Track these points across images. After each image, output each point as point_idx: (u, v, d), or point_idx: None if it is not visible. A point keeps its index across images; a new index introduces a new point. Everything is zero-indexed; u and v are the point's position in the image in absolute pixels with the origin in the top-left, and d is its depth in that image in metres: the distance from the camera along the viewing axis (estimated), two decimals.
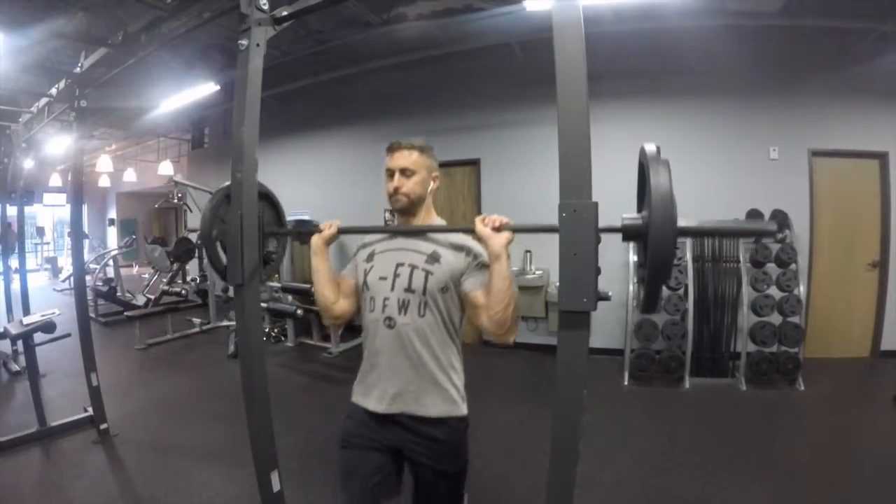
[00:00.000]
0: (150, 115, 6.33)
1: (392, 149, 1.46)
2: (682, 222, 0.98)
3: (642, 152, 1.06)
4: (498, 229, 1.23)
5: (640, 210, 1.14)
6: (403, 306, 1.36)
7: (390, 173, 1.45)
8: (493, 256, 1.25)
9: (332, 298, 1.51)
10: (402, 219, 1.50)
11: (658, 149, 1.04)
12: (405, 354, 1.36)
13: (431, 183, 1.48)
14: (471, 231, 1.29)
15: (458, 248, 1.40)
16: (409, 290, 1.37)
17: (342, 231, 1.52)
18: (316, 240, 1.51)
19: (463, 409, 1.41)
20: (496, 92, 5.03)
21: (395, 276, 1.39)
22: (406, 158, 1.43)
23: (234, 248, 1.58)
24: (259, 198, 1.68)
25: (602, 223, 1.09)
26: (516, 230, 1.25)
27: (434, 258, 1.39)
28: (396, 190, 1.43)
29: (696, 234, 0.97)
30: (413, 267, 1.38)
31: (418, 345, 1.36)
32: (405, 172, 1.43)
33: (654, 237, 0.98)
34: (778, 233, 0.89)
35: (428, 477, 1.40)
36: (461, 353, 1.45)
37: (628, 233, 1.09)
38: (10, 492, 2.39)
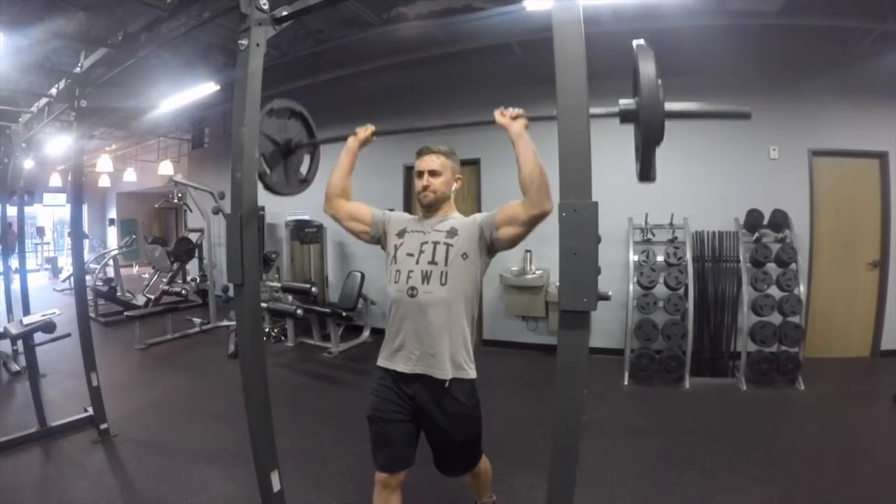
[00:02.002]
0: (150, 115, 6.33)
1: (421, 153, 1.69)
2: (668, 105, 1.14)
3: (633, 47, 1.20)
4: (515, 118, 1.43)
5: (634, 97, 1.27)
6: (426, 277, 1.56)
7: (419, 174, 1.68)
8: (516, 136, 1.43)
9: (338, 191, 1.75)
10: (428, 213, 1.69)
11: (647, 41, 1.19)
12: (426, 321, 1.55)
13: (455, 183, 1.71)
14: (491, 123, 1.48)
15: (471, 218, 1.64)
16: (432, 262, 1.57)
17: (377, 133, 1.72)
18: (351, 140, 1.74)
19: (471, 373, 1.60)
20: (496, 92, 5.03)
21: (421, 251, 1.60)
22: (434, 161, 1.67)
23: (235, 248, 1.59)
24: (293, 115, 1.85)
25: (602, 223, 1.09)
26: (530, 119, 1.44)
27: (452, 233, 1.61)
28: (425, 188, 1.66)
29: (680, 115, 1.11)
30: (436, 243, 1.60)
31: (437, 312, 1.54)
32: (433, 173, 1.66)
33: (644, 116, 1.14)
34: (750, 114, 0.99)
35: (443, 442, 1.65)
36: (474, 323, 1.65)
37: (625, 115, 1.22)
38: (10, 492, 2.39)
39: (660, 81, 1.12)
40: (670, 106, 1.14)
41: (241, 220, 1.57)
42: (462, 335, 1.58)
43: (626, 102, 1.22)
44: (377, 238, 1.75)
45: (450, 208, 1.71)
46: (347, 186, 1.76)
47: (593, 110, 1.15)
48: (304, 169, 1.95)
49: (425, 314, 1.54)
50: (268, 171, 1.74)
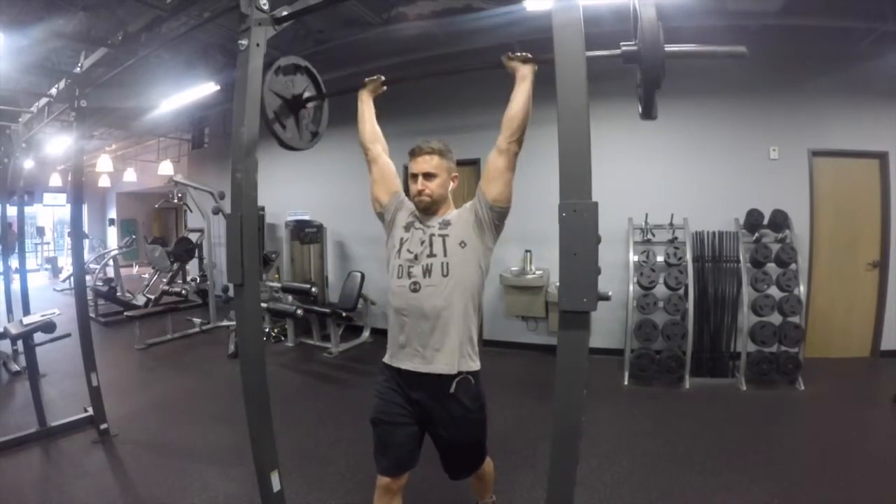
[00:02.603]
0: (150, 115, 6.33)
1: (414, 153, 1.66)
2: (668, 47, 1.18)
3: None
4: (524, 61, 1.46)
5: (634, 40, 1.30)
6: (428, 270, 1.56)
7: (413, 177, 1.65)
8: (521, 77, 1.47)
9: (371, 137, 1.80)
10: (425, 216, 1.67)
11: None
12: (429, 315, 1.54)
13: (451, 183, 1.69)
14: (499, 67, 1.49)
15: (462, 207, 1.66)
16: (431, 255, 1.57)
17: (386, 83, 1.77)
18: (362, 92, 1.80)
19: (476, 365, 1.60)
20: (496, 92, 5.02)
21: (421, 247, 1.59)
22: (428, 163, 1.63)
23: (234, 248, 1.58)
24: (298, 70, 1.88)
25: (602, 223, 1.09)
26: (537, 62, 1.46)
27: (446, 224, 1.61)
28: (420, 192, 1.63)
29: (678, 55, 1.14)
30: (432, 235, 1.60)
31: (439, 305, 1.54)
32: (427, 176, 1.63)
33: (645, 56, 1.18)
34: (746, 53, 1.02)
35: (450, 446, 1.65)
36: (480, 311, 1.66)
37: (627, 56, 1.25)
38: (10, 492, 2.39)
39: (660, 23, 1.16)
40: (669, 48, 1.18)
41: (241, 220, 1.57)
42: (467, 326, 1.57)
43: (627, 44, 1.25)
44: (383, 216, 1.74)
45: (448, 208, 1.70)
46: (377, 131, 1.80)
47: (593, 53, 1.18)
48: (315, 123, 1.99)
49: (428, 308, 1.53)
50: (281, 127, 1.77)
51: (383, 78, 1.76)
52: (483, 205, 1.57)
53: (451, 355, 1.54)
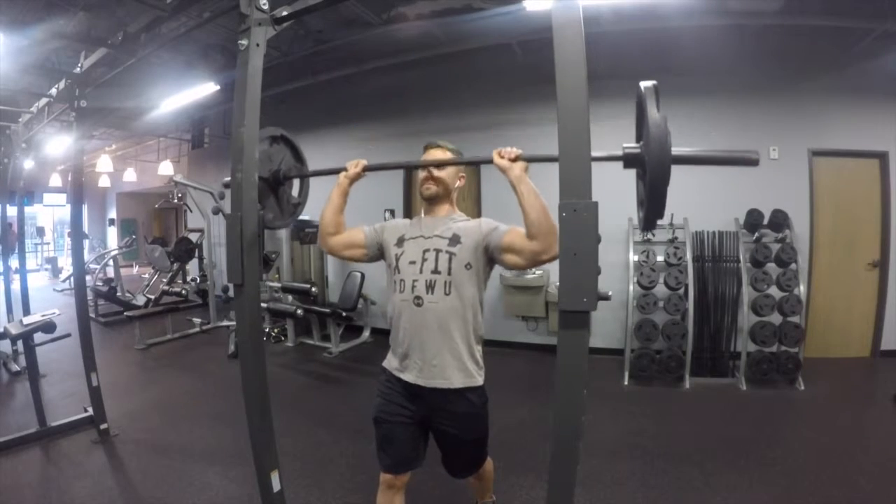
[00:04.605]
0: (150, 115, 6.32)
1: (428, 146, 1.68)
2: (675, 151, 1.08)
3: (639, 89, 1.16)
4: (514, 160, 1.39)
5: (638, 141, 1.23)
6: (430, 286, 1.53)
7: (424, 166, 1.64)
8: (516, 180, 1.39)
9: (332, 230, 1.69)
10: (429, 207, 1.67)
11: (655, 86, 1.13)
12: (431, 331, 1.53)
13: (458, 181, 1.69)
14: (489, 162, 1.44)
15: (477, 224, 1.61)
16: (435, 271, 1.54)
17: (368, 168, 1.66)
18: (342, 177, 1.67)
19: (479, 380, 1.59)
20: (496, 92, 5.03)
21: (423, 259, 1.56)
22: (439, 155, 1.64)
23: (235, 248, 1.58)
24: (275, 141, 1.78)
25: (602, 223, 1.09)
26: (528, 160, 1.41)
27: (455, 240, 1.56)
28: (427, 179, 1.63)
29: (686, 160, 1.09)
30: (438, 251, 1.56)
31: (443, 321, 1.52)
32: (437, 166, 1.62)
33: (651, 163, 1.09)
34: (758, 161, 0.98)
35: (453, 443, 1.64)
36: (482, 327, 1.62)
37: (629, 160, 1.19)
38: (10, 492, 2.39)
39: (668, 130, 1.07)
40: (677, 151, 1.08)
41: (241, 220, 1.57)
42: (468, 343, 1.56)
43: (630, 147, 1.19)
44: (376, 255, 1.70)
45: (451, 206, 1.69)
46: (341, 223, 1.69)
47: (596, 157, 1.11)
48: (295, 192, 1.90)
49: (430, 324, 1.53)
50: (261, 209, 1.67)
51: (365, 163, 1.65)
52: (495, 248, 1.53)
53: (452, 371, 1.54)
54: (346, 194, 1.68)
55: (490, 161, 1.43)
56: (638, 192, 1.24)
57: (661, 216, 1.12)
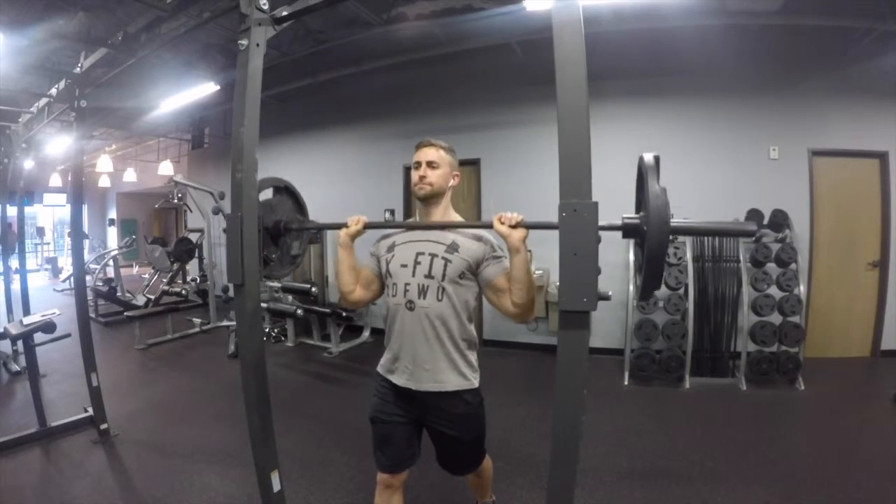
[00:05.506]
0: (150, 115, 6.33)
1: (421, 145, 1.66)
2: (674, 222, 1.11)
3: (641, 161, 1.18)
4: (514, 227, 1.38)
5: (637, 211, 1.25)
6: (423, 291, 1.52)
7: (417, 165, 1.63)
8: (514, 250, 1.40)
9: (351, 288, 1.68)
10: (424, 208, 1.65)
11: (656, 158, 1.16)
12: (424, 335, 1.52)
13: (452, 179, 1.66)
14: (489, 226, 1.43)
15: (477, 238, 1.58)
16: (428, 276, 1.53)
17: (368, 226, 1.64)
18: (342, 235, 1.65)
19: (475, 383, 1.59)
20: (496, 92, 5.03)
21: (416, 263, 1.55)
22: (432, 153, 1.62)
23: (235, 248, 1.58)
24: (278, 192, 1.78)
25: (602, 223, 1.09)
26: (529, 227, 1.39)
27: (453, 248, 1.55)
28: (421, 178, 1.61)
29: (685, 232, 1.11)
30: (433, 255, 1.54)
31: (436, 326, 1.52)
32: (431, 164, 1.61)
33: (651, 235, 1.10)
34: (756, 232, 0.98)
35: (449, 442, 1.64)
36: (474, 333, 1.62)
37: (628, 230, 1.20)
38: (10, 492, 2.39)
39: (667, 200, 1.10)
40: (675, 224, 1.11)
41: (241, 220, 1.57)
42: (460, 348, 1.56)
43: (630, 217, 1.20)
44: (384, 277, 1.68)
45: (448, 209, 1.67)
46: (356, 278, 1.68)
47: (600, 228, 1.11)
48: (296, 242, 1.88)
49: (423, 327, 1.52)
50: (264, 261, 1.69)
51: (365, 219, 1.63)
52: (483, 276, 1.55)
53: (445, 374, 1.54)
54: (351, 250, 1.66)
55: (490, 225, 1.42)
56: (636, 260, 1.25)
57: (658, 287, 1.15)
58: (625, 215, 1.21)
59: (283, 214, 1.80)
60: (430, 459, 1.74)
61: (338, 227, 1.65)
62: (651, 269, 1.12)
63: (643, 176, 1.16)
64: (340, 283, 1.68)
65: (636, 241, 1.24)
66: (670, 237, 1.18)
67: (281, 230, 1.77)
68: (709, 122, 4.41)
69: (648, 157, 1.15)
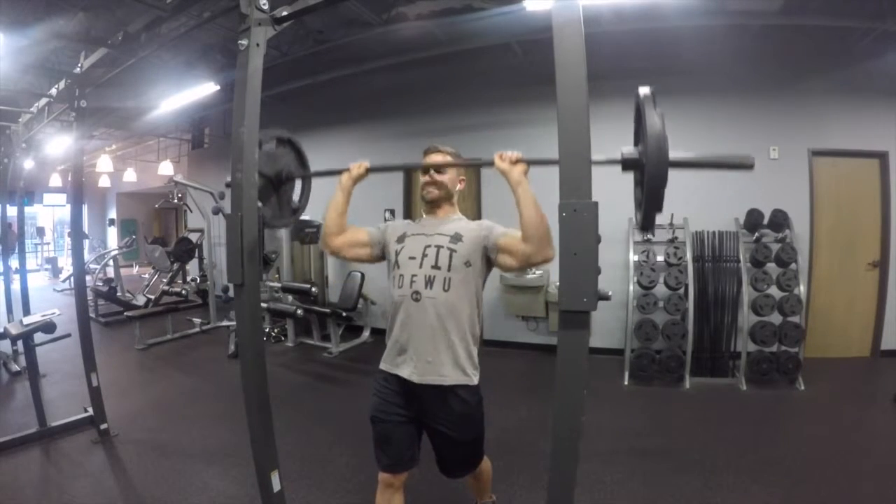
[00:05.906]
0: (150, 115, 6.33)
1: (429, 151, 1.72)
2: (672, 155, 1.09)
3: (637, 95, 1.16)
4: (514, 163, 1.41)
5: (636, 145, 1.23)
6: (429, 282, 1.55)
7: (425, 170, 1.68)
8: (515, 183, 1.41)
9: (336, 230, 1.69)
10: (430, 210, 1.71)
11: (652, 91, 1.14)
12: (427, 326, 1.54)
13: (458, 184, 1.73)
14: (490, 165, 1.46)
15: (477, 225, 1.65)
16: (435, 266, 1.56)
17: (372, 170, 1.67)
18: (344, 177, 1.68)
19: (474, 380, 1.60)
20: (496, 92, 5.03)
21: (424, 255, 1.58)
22: (440, 160, 1.68)
23: (235, 248, 1.58)
24: (281, 143, 1.79)
25: (602, 223, 1.09)
26: (529, 163, 1.42)
27: (457, 238, 1.59)
28: (429, 183, 1.67)
29: (684, 165, 1.11)
30: (439, 247, 1.58)
31: (440, 317, 1.53)
32: (438, 170, 1.67)
33: (650, 166, 1.10)
34: (754, 166, 1.01)
35: (447, 443, 1.64)
36: (479, 326, 1.65)
37: (627, 164, 1.20)
38: (10, 492, 2.39)
39: (666, 135, 1.09)
40: (674, 156, 1.10)
41: (241, 220, 1.57)
42: (465, 341, 1.57)
43: (629, 151, 1.20)
44: (380, 254, 1.72)
45: (453, 209, 1.72)
46: (344, 223, 1.70)
47: (593, 157, 1.11)
48: (296, 196, 1.90)
49: (428, 319, 1.53)
50: (260, 204, 1.69)
51: (368, 165, 1.66)
52: (492, 248, 1.56)
53: (448, 367, 1.55)
54: (349, 194, 1.69)
55: (491, 163, 1.45)
56: (636, 195, 1.25)
57: (659, 210, 1.14)
58: (624, 148, 1.20)
59: (284, 165, 1.80)
60: (430, 459, 1.74)
61: (339, 173, 1.70)
62: (651, 199, 1.11)
63: (640, 108, 1.15)
64: (327, 222, 1.69)
65: (635, 178, 1.24)
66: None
67: (283, 178, 1.78)
68: (709, 122, 4.41)
69: (645, 89, 1.15)
